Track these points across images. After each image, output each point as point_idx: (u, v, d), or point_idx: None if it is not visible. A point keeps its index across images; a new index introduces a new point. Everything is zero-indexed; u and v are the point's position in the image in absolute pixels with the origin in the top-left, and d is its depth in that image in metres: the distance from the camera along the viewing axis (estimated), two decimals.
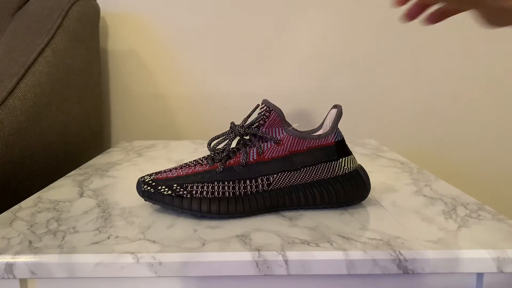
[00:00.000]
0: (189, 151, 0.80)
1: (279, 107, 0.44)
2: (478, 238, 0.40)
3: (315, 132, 0.52)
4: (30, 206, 0.50)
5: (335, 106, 0.50)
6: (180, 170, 0.47)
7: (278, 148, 0.47)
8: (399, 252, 0.38)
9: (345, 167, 0.48)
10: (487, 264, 0.38)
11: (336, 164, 0.47)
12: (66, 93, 0.77)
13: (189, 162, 0.49)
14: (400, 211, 0.48)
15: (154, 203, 0.46)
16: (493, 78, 1.03)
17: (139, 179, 0.47)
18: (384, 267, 0.38)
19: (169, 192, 0.45)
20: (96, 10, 0.91)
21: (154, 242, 0.40)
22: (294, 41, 1.01)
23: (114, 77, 1.03)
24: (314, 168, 0.47)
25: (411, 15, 0.39)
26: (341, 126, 1.04)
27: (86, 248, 0.38)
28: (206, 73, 1.03)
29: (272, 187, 0.46)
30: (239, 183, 0.46)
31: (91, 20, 0.88)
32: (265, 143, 0.47)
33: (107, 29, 1.01)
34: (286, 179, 0.46)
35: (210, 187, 0.45)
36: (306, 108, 1.04)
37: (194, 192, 0.45)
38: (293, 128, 0.48)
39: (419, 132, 1.06)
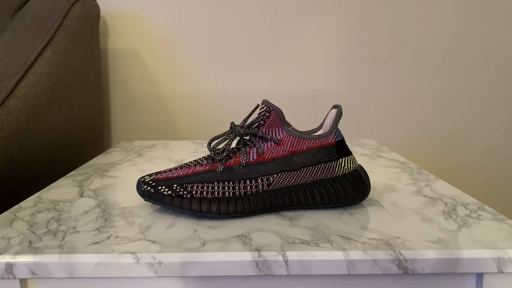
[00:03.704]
0: (189, 151, 0.80)
1: (279, 107, 0.44)
2: (478, 238, 0.40)
3: (315, 132, 0.52)
4: (30, 206, 0.50)
5: (335, 106, 0.50)
6: (180, 170, 0.47)
7: (278, 148, 0.47)
8: (399, 252, 0.38)
9: (345, 167, 0.48)
10: (487, 264, 0.38)
11: (336, 164, 0.47)
12: (66, 93, 0.77)
13: (189, 162, 0.49)
14: (400, 211, 0.48)
15: (154, 203, 0.46)
16: (493, 78, 1.03)
17: (139, 179, 0.47)
18: (384, 267, 0.38)
19: (169, 192, 0.45)
20: (96, 10, 0.91)
21: (154, 242, 0.40)
22: (294, 41, 1.01)
23: (114, 77, 1.03)
24: (314, 168, 0.47)
25: None
26: (341, 126, 1.04)
27: (86, 248, 0.38)
28: (206, 73, 1.03)
29: (272, 187, 0.46)
30: (239, 183, 0.46)
31: (91, 20, 0.88)
32: (265, 143, 0.47)
33: (107, 29, 1.01)
34: (286, 179, 0.46)
35: (210, 187, 0.45)
36: (306, 108, 1.04)
37: (194, 192, 0.45)
38: (293, 128, 0.48)
39: (419, 132, 1.06)
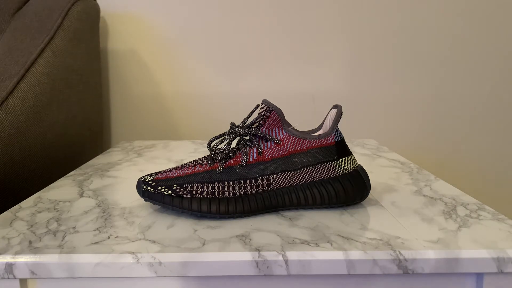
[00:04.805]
0: (189, 151, 0.80)
1: (279, 107, 0.44)
2: (478, 238, 0.40)
3: (315, 132, 0.52)
4: (30, 206, 0.50)
5: (335, 106, 0.50)
6: (180, 170, 0.47)
7: (278, 148, 0.47)
8: (399, 252, 0.38)
9: (345, 167, 0.48)
10: (487, 264, 0.38)
11: (336, 164, 0.47)
12: (66, 93, 0.77)
13: (189, 162, 0.49)
14: (400, 211, 0.48)
15: (154, 203, 0.46)
16: (493, 79, 1.03)
17: (139, 179, 0.47)
18: (384, 267, 0.38)
19: (169, 192, 0.45)
20: (96, 10, 0.90)
21: (154, 242, 0.40)
22: (294, 41, 1.01)
23: (114, 77, 1.03)
24: (314, 168, 0.47)
25: None
26: (341, 126, 1.04)
27: (86, 248, 0.38)
28: (206, 73, 1.03)
29: (272, 187, 0.46)
30: (239, 183, 0.46)
31: (91, 20, 0.88)
32: (265, 143, 0.47)
33: (107, 29, 1.01)
34: (286, 179, 0.46)
35: (210, 187, 0.45)
36: (306, 108, 1.04)
37: (194, 192, 0.45)
38: (293, 128, 0.48)
39: (419, 132, 1.06)
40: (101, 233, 0.42)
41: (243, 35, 1.01)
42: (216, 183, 0.45)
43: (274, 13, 1.00)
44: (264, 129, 0.47)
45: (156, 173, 0.47)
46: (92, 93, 0.89)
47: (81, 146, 0.85)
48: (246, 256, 0.37)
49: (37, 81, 0.69)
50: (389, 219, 0.45)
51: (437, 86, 1.04)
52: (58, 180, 0.61)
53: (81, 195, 0.54)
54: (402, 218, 0.45)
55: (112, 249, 0.38)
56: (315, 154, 0.47)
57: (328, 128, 0.49)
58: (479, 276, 0.40)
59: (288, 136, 0.47)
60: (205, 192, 0.45)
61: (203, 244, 0.39)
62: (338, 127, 0.48)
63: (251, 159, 0.46)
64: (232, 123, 0.48)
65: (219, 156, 0.47)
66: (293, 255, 0.37)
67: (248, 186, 0.45)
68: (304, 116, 1.04)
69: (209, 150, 0.48)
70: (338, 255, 0.38)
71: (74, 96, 0.80)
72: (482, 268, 0.38)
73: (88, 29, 0.86)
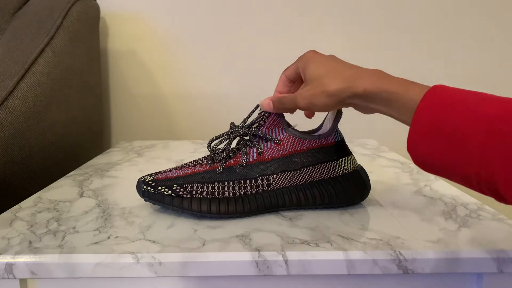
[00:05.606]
0: (189, 151, 0.80)
1: None
2: (478, 238, 0.40)
3: (315, 132, 0.52)
4: (30, 206, 0.50)
5: None
6: (180, 170, 0.47)
7: (278, 148, 0.47)
8: (399, 252, 0.38)
9: (345, 167, 0.48)
10: (487, 264, 0.38)
11: (336, 164, 0.47)
12: (66, 93, 0.77)
13: (189, 162, 0.49)
14: (400, 211, 0.48)
15: (154, 203, 0.46)
16: (493, 79, 1.03)
17: (139, 179, 0.47)
18: (384, 267, 0.38)
19: (169, 192, 0.45)
20: (96, 10, 0.90)
21: (154, 242, 0.40)
22: (294, 41, 1.01)
23: (114, 77, 1.03)
24: (314, 168, 0.47)
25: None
26: (341, 126, 1.04)
27: (86, 248, 0.38)
28: (205, 73, 1.03)
29: (272, 187, 0.46)
30: (239, 183, 0.45)
31: (91, 20, 0.88)
32: (265, 143, 0.47)
33: (107, 29, 1.01)
34: (286, 179, 0.46)
35: (210, 187, 0.45)
36: None
37: (194, 192, 0.45)
38: (293, 128, 0.48)
39: None
40: (101, 233, 0.42)
41: (243, 35, 1.01)
42: (216, 183, 0.45)
43: (274, 13, 1.00)
44: (264, 129, 0.47)
45: (156, 173, 0.47)
46: (92, 93, 0.89)
47: (81, 146, 0.85)
48: (246, 256, 0.37)
49: (37, 81, 0.69)
50: (389, 219, 0.45)
51: None
52: (58, 180, 0.61)
53: (81, 195, 0.54)
54: (402, 218, 0.45)
55: (112, 249, 0.38)
56: (315, 154, 0.47)
57: (328, 128, 0.49)
58: (479, 276, 0.40)
59: (288, 136, 0.47)
60: (205, 192, 0.45)
61: (203, 244, 0.39)
62: (338, 127, 0.49)
63: (251, 159, 0.46)
64: (232, 123, 0.48)
65: (219, 156, 0.47)
66: (293, 255, 0.37)
67: (248, 186, 0.45)
68: (304, 116, 1.04)
69: (209, 150, 0.48)
70: (338, 255, 0.38)
71: (74, 96, 0.80)
72: (482, 268, 0.38)
73: (88, 29, 0.86)
